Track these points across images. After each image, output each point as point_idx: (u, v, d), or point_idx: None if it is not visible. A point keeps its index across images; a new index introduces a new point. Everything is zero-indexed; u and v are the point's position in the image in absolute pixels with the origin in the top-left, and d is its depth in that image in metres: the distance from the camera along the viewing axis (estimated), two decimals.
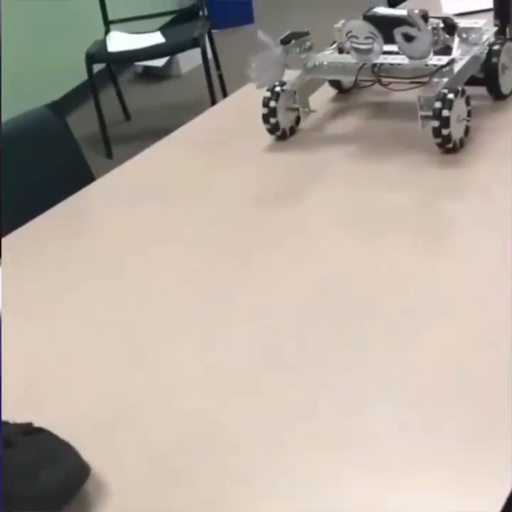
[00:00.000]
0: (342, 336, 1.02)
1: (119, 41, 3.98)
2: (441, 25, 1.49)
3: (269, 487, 0.83)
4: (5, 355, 1.09)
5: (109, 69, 4.23)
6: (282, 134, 1.53)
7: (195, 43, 3.79)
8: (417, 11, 1.47)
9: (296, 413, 0.91)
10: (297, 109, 1.53)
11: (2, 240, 1.40)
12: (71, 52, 4.18)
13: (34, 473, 0.81)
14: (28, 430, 0.86)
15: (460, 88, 1.37)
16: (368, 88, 1.57)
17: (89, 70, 3.79)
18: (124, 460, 0.90)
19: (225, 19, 5.26)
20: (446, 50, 1.48)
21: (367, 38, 1.41)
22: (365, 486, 0.81)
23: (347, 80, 1.61)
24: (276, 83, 1.50)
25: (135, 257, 1.29)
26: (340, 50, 1.54)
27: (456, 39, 1.44)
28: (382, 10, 1.53)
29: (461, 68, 1.42)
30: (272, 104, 1.50)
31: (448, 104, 1.34)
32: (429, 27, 1.45)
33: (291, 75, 1.52)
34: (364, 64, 1.46)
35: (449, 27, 1.46)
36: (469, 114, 1.40)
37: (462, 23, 1.51)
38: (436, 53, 1.44)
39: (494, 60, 1.48)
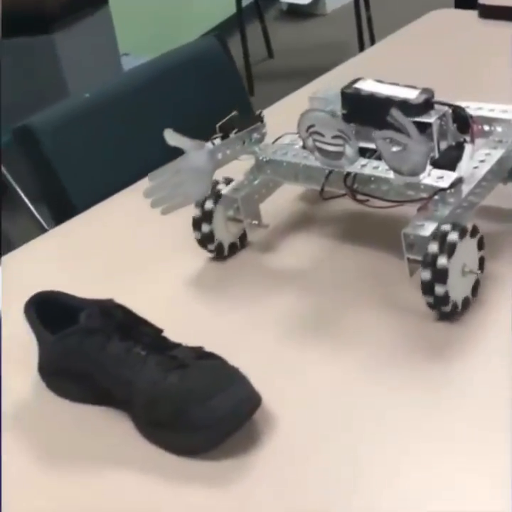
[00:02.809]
0: None
1: None
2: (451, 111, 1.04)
3: None
4: None
5: (256, 4, 4.16)
6: (228, 253, 1.09)
7: None
8: (415, 95, 1.02)
9: None
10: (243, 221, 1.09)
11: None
12: None
13: (207, 397, 0.81)
14: (200, 354, 0.86)
15: (470, 224, 0.92)
16: None
17: (239, 4, 3.75)
18: (294, 395, 0.87)
19: None
20: (458, 150, 1.03)
21: (335, 137, 0.96)
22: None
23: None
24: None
25: None
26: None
27: (468, 147, 0.98)
28: (371, 85, 1.08)
29: (475, 188, 0.96)
30: (206, 228, 1.06)
31: (448, 248, 0.89)
32: (434, 117, 1.00)
33: (237, 167, 1.09)
34: (331, 171, 1.01)
35: (461, 121, 1.01)
36: (482, 263, 0.94)
37: (483, 110, 1.06)
38: (442, 158, 0.99)
39: None
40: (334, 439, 0.82)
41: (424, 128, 0.99)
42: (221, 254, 1.09)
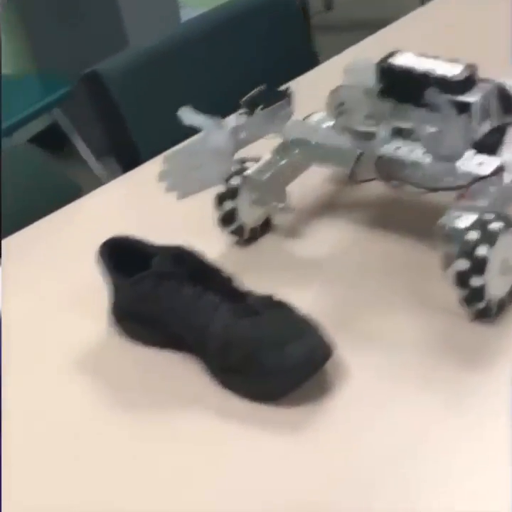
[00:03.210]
0: None
1: None
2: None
3: None
4: None
5: None
6: (249, 237, 1.03)
7: None
8: (457, 71, 0.94)
9: None
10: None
11: None
12: None
13: (280, 344, 0.80)
14: (270, 303, 0.85)
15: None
16: None
17: None
18: (365, 347, 0.85)
19: None
20: (502, 133, 0.95)
21: (368, 116, 0.89)
22: None
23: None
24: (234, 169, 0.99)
25: None
26: None
27: None
28: (409, 59, 1.00)
29: None
30: (229, 205, 0.99)
31: (490, 237, 0.80)
32: (476, 96, 0.92)
33: (263, 146, 1.01)
34: (363, 153, 0.94)
35: (506, 100, 0.92)
36: None
37: None
38: (483, 141, 0.91)
39: None
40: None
41: (464, 108, 0.91)
42: (241, 236, 1.02)
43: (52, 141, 2.88)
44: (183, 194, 0.88)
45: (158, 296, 0.86)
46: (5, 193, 1.26)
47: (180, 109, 0.83)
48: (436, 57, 1.00)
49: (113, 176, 1.36)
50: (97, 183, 2.52)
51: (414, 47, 1.02)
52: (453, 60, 0.98)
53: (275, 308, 0.84)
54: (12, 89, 2.77)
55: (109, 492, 0.76)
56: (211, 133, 0.86)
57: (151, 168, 1.26)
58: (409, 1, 2.55)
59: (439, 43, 1.42)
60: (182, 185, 0.87)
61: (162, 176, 0.85)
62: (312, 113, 1.04)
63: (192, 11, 2.95)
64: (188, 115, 0.83)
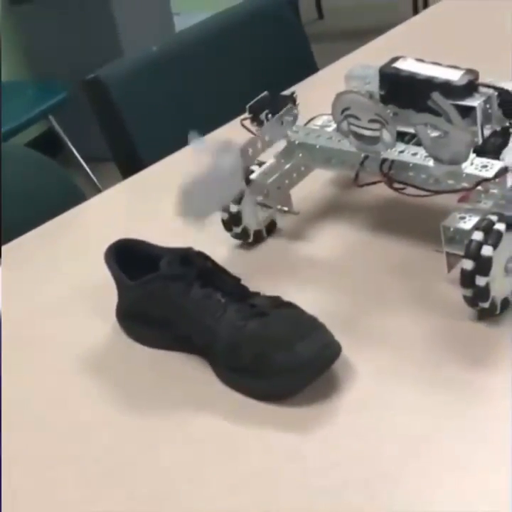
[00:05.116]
0: None
1: None
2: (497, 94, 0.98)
3: None
4: None
5: None
6: (254, 240, 1.04)
7: None
8: (459, 76, 0.96)
9: None
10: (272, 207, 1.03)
11: None
12: None
13: (290, 344, 0.81)
14: (278, 303, 0.86)
15: None
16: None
17: None
18: (369, 347, 0.86)
19: None
20: (504, 136, 0.96)
21: (372, 121, 0.90)
22: None
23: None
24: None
25: None
26: None
27: None
28: (411, 64, 1.01)
29: None
30: (234, 208, 1.01)
31: (494, 238, 0.81)
32: (478, 101, 0.94)
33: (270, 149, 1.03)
34: (367, 156, 0.95)
35: (507, 104, 0.94)
36: None
37: None
38: (485, 145, 0.92)
39: None
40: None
41: (467, 112, 0.93)
42: (246, 239, 1.04)
43: (47, 147, 2.90)
44: (199, 220, 0.88)
45: (166, 298, 0.87)
46: (8, 195, 1.27)
47: (189, 134, 0.83)
48: (436, 64, 1.02)
49: (110, 181, 1.37)
50: (93, 188, 2.53)
51: (410, 55, 1.04)
52: (452, 66, 1.00)
53: (282, 308, 0.86)
54: (7, 96, 2.78)
55: (114, 493, 0.76)
56: (221, 158, 0.87)
57: (154, 173, 1.29)
58: (402, 10, 2.58)
59: (435, 51, 1.45)
60: (198, 212, 0.88)
61: (182, 212, 0.86)
62: (314, 117, 1.05)
63: (185, 19, 2.99)
64: (196, 141, 0.84)
